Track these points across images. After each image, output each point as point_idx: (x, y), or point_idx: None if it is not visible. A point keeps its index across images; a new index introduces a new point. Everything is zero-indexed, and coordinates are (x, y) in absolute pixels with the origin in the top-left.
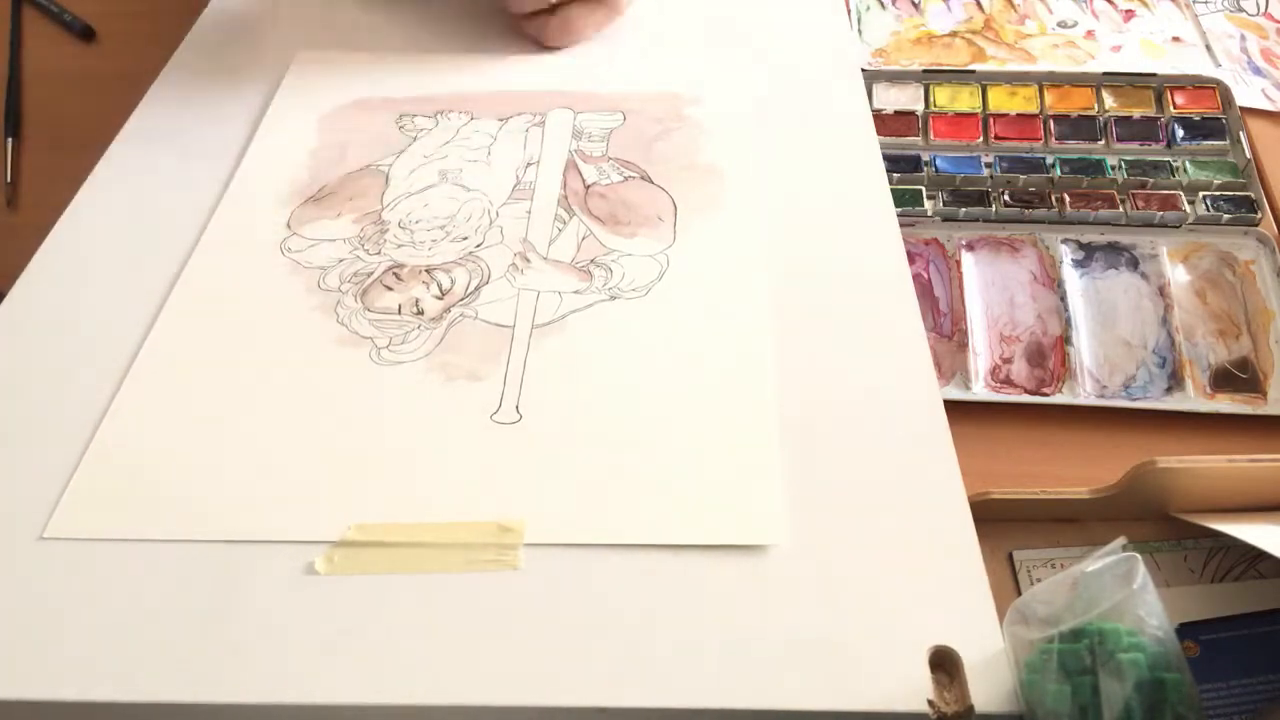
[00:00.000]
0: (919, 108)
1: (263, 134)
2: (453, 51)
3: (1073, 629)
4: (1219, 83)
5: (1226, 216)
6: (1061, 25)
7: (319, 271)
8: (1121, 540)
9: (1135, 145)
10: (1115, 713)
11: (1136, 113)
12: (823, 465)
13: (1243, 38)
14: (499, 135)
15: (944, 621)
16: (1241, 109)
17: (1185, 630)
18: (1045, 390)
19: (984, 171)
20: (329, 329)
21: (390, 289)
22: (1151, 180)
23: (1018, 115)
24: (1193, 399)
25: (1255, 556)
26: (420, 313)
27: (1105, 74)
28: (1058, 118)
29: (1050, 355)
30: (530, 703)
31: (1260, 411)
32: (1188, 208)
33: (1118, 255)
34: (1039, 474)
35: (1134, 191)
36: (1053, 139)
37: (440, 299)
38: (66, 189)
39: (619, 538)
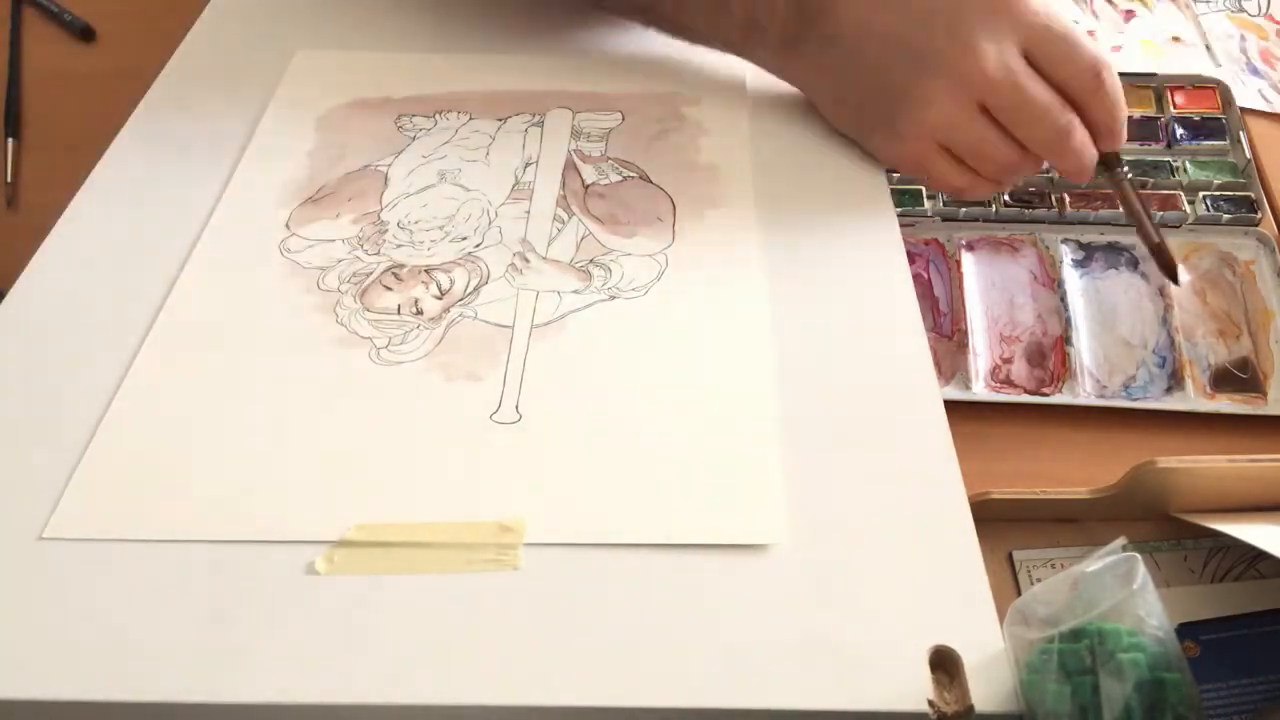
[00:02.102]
0: None
1: (261, 134)
2: (451, 51)
3: (1073, 629)
4: (1219, 83)
5: (1226, 216)
6: None
7: (318, 272)
8: (1121, 540)
9: (1135, 145)
10: (1115, 713)
11: (1136, 113)
12: (823, 465)
13: (1242, 38)
14: (497, 135)
15: (944, 621)
16: (1241, 109)
17: (1185, 630)
18: (1045, 390)
19: None
20: (328, 329)
21: (389, 289)
22: (1152, 180)
23: None
24: (1193, 399)
25: (1255, 556)
26: (419, 313)
27: None
28: None
29: (1050, 355)
30: (530, 703)
31: (1260, 411)
32: (1188, 208)
33: (1118, 255)
34: (1039, 474)
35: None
36: None
37: (439, 299)
38: (66, 189)
39: (619, 538)
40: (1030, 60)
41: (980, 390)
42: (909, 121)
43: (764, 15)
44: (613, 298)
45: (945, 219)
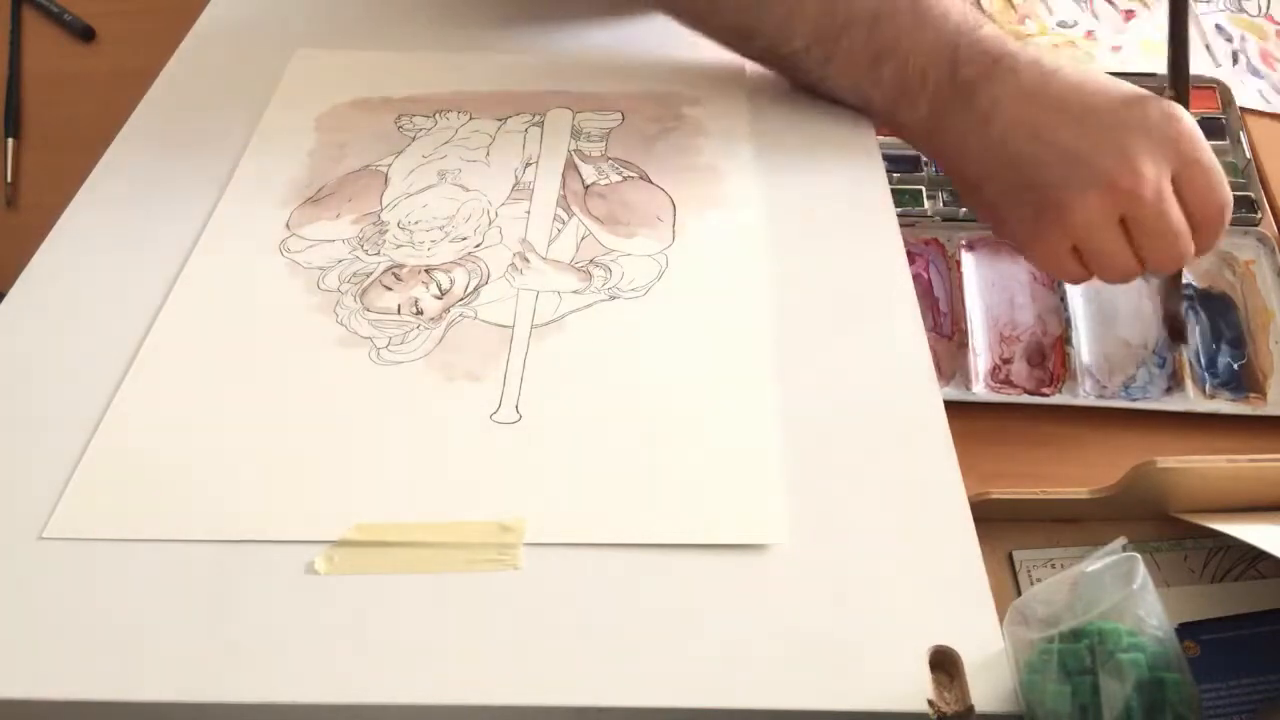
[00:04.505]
0: None
1: (261, 134)
2: (451, 51)
3: (1073, 629)
4: (1219, 83)
5: None
6: (1062, 25)
7: (318, 272)
8: (1121, 540)
9: None
10: (1115, 713)
11: None
12: (823, 465)
13: (1243, 38)
14: (497, 135)
15: (944, 621)
16: (1241, 109)
17: (1185, 630)
18: (1045, 390)
19: None
20: (328, 329)
21: (389, 289)
22: None
23: None
24: (1192, 399)
25: (1255, 556)
26: (419, 313)
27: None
28: None
29: (1050, 355)
30: (530, 703)
31: (1260, 412)
32: None
33: None
34: (1039, 474)
35: None
36: None
37: (439, 299)
38: (66, 189)
39: (619, 538)
40: (1173, 182)
41: (980, 390)
42: (1054, 221)
43: (915, 84)
44: (613, 298)
45: (945, 219)
